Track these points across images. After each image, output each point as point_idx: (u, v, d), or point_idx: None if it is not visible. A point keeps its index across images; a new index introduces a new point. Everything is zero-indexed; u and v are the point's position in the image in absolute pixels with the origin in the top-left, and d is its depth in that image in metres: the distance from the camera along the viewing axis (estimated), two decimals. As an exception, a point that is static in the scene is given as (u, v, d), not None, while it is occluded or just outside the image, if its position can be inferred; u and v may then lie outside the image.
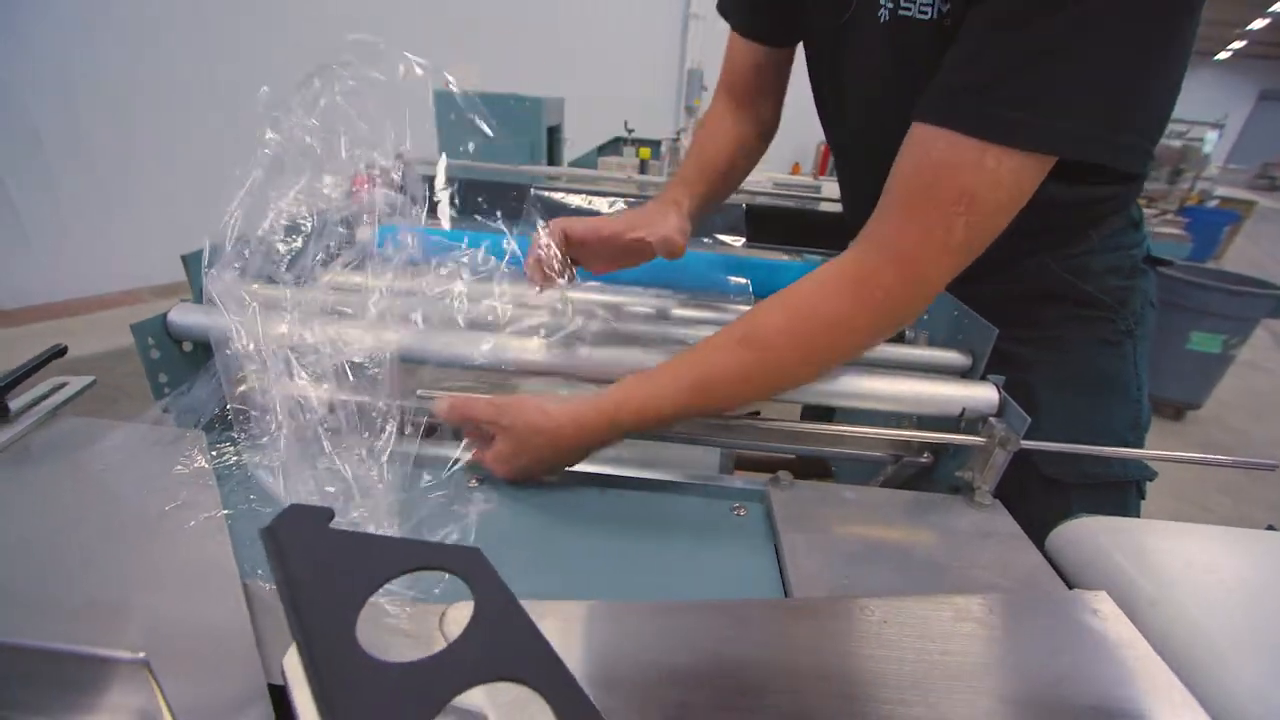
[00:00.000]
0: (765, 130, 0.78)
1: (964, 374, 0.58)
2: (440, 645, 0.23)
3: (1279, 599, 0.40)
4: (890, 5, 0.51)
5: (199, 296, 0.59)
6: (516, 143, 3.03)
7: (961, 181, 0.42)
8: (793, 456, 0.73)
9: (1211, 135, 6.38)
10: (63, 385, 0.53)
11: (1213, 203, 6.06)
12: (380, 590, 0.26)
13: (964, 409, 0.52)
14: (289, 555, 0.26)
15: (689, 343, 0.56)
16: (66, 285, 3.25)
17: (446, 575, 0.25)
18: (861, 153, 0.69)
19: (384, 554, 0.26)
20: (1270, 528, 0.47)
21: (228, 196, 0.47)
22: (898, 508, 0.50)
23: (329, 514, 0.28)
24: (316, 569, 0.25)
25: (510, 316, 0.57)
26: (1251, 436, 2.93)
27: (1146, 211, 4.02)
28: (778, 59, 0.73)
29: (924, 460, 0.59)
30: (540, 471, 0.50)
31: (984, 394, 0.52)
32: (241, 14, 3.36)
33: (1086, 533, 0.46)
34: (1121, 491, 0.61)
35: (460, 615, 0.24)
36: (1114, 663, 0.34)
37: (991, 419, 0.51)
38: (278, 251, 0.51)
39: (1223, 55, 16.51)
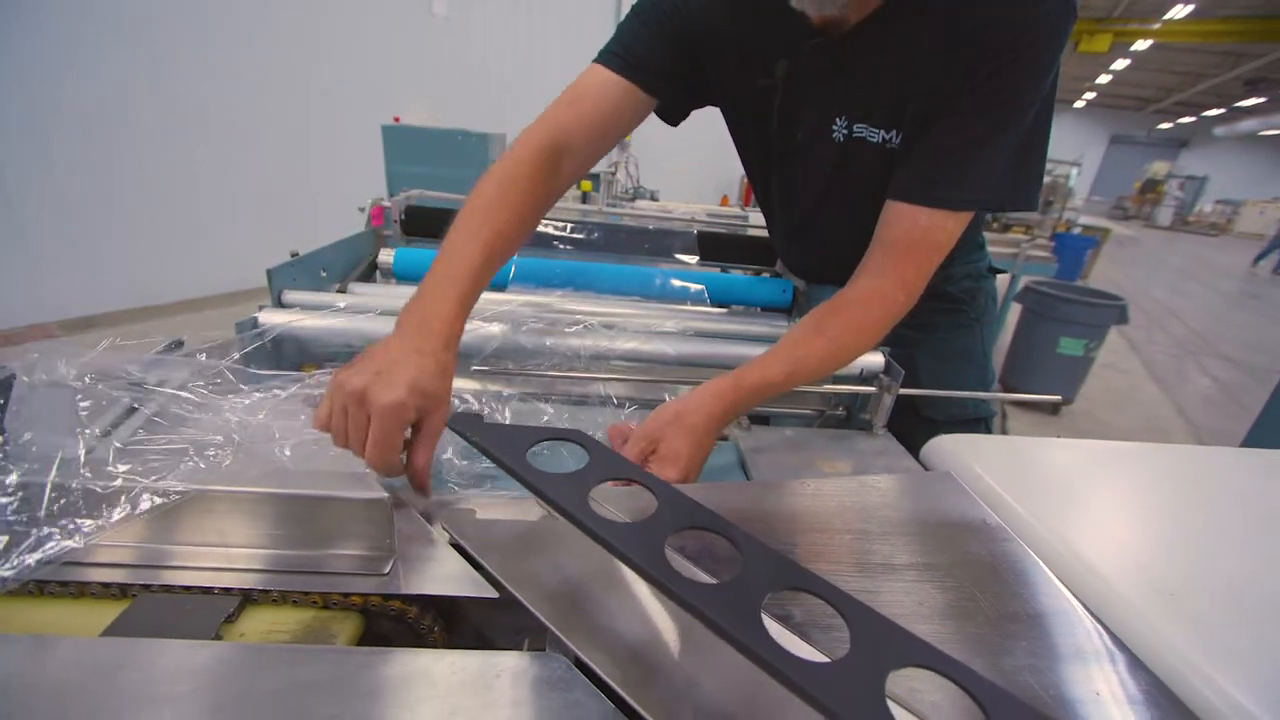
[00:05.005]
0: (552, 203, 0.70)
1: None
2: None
3: (1049, 471, 0.64)
4: (845, 131, 0.71)
5: (277, 301, 0.73)
6: (464, 175, 3.19)
7: (937, 238, 0.66)
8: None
9: (1073, 171, 7.42)
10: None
11: (1077, 230, 6.99)
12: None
13: (862, 369, 0.74)
14: (475, 432, 0.42)
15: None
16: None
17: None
18: (801, 224, 0.86)
19: (522, 433, 0.43)
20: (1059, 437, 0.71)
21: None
22: (821, 439, 0.72)
23: (480, 414, 0.45)
24: (494, 441, 0.42)
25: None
26: (1114, 425, 3.44)
27: (1022, 237, 4.66)
28: (632, 121, 0.73)
29: (840, 413, 0.81)
30: (704, 457, 0.60)
31: (875, 359, 0.74)
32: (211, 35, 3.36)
33: (944, 444, 0.68)
34: (975, 425, 0.86)
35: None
36: (948, 504, 0.56)
37: (880, 375, 0.73)
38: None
39: (1079, 104, 18.98)
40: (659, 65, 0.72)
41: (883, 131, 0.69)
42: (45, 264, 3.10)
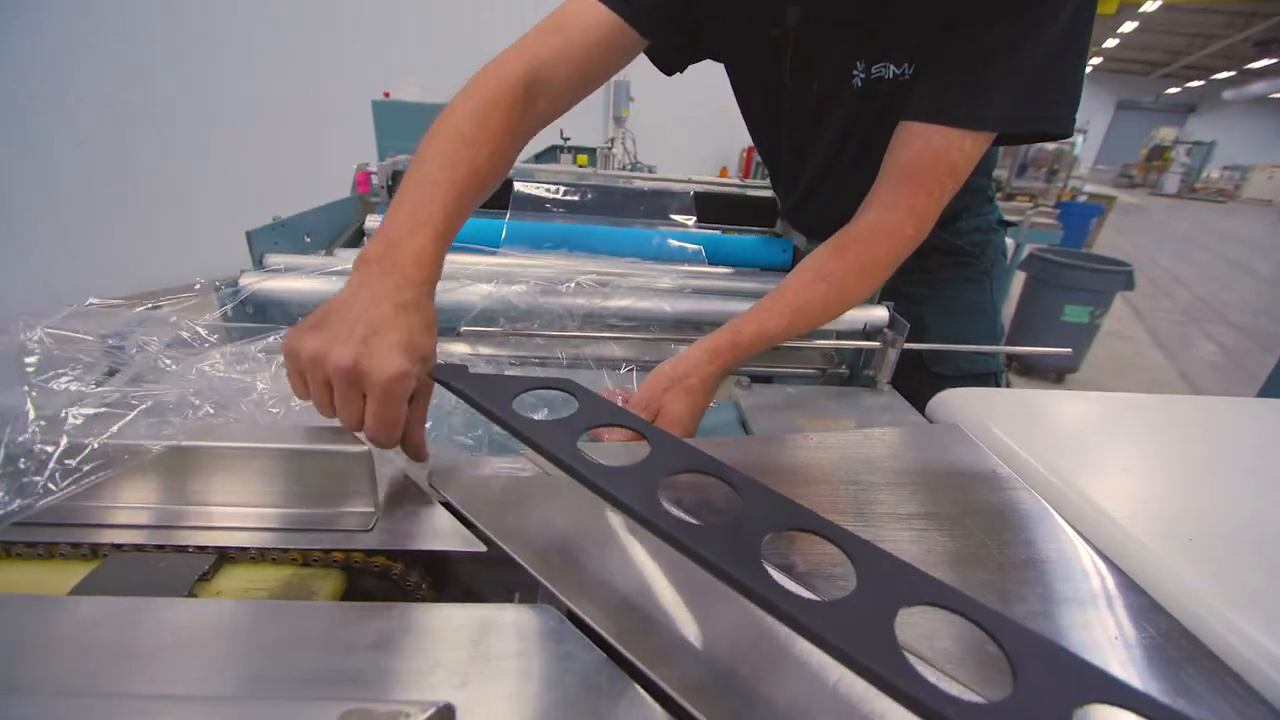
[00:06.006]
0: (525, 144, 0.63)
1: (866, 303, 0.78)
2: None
3: (1060, 422, 0.62)
4: (863, 75, 0.66)
5: (258, 264, 0.70)
6: (458, 151, 3.13)
7: (952, 160, 0.61)
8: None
9: (1079, 139, 7.29)
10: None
11: (1082, 198, 6.89)
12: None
13: (865, 324, 0.72)
14: (460, 382, 0.40)
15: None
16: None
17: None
18: (816, 181, 0.81)
19: (509, 383, 0.41)
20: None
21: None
22: (825, 396, 0.69)
23: (465, 366, 0.43)
24: (479, 390, 0.40)
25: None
26: (1119, 391, 3.42)
27: (1026, 205, 4.59)
28: (618, 62, 0.67)
29: (843, 371, 0.79)
30: (701, 412, 0.58)
31: (878, 313, 0.72)
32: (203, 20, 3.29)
33: (951, 397, 0.66)
34: (984, 380, 0.84)
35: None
36: (955, 455, 0.54)
37: (884, 329, 0.71)
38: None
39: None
40: (654, 1, 0.66)
41: (895, 66, 0.65)
42: (38, 256, 3.07)
